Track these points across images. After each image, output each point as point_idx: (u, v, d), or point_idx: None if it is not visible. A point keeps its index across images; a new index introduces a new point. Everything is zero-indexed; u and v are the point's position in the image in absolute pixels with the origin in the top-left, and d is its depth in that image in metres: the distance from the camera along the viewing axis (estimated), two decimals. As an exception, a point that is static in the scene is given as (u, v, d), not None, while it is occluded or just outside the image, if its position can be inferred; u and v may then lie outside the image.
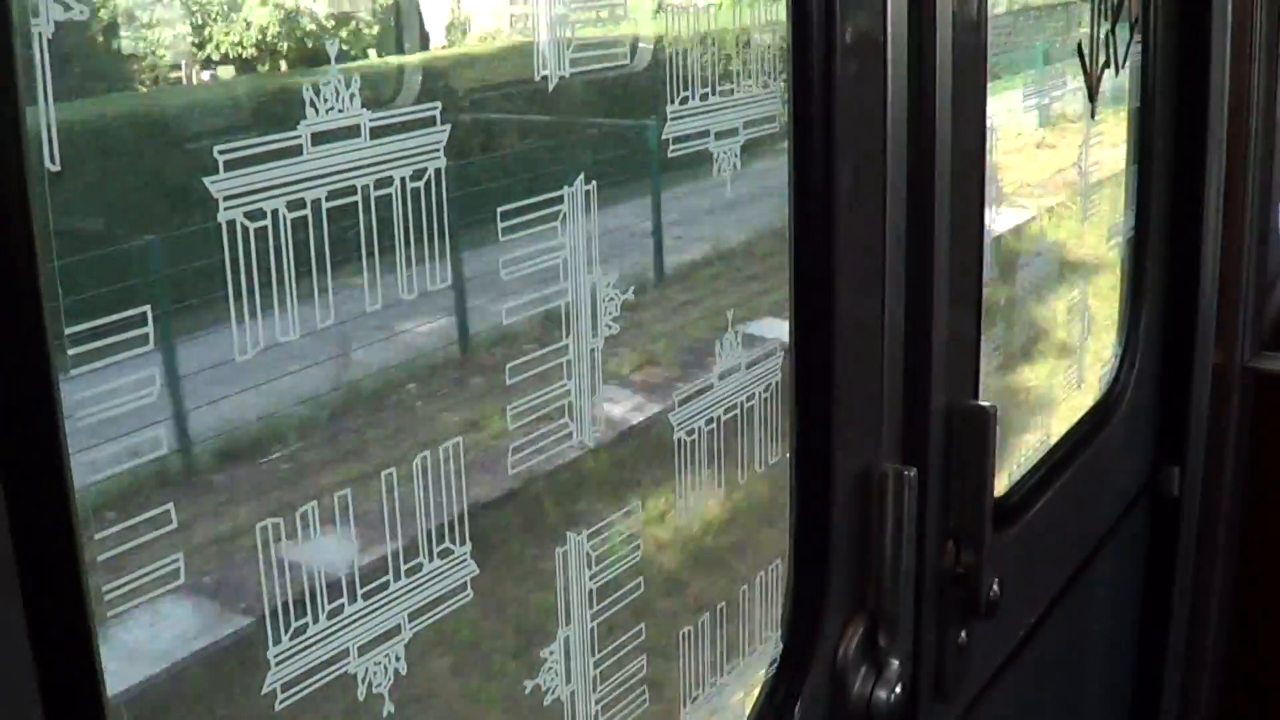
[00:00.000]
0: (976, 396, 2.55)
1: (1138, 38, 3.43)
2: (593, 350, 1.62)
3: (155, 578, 1.20)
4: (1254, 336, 4.04)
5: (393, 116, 1.34)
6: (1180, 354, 3.79)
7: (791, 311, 2.01)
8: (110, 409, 1.14)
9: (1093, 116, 3.25)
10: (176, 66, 1.29)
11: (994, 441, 2.45)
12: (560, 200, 1.55)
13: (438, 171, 1.38)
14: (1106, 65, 3.26)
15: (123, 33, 1.23)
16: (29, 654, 1.03)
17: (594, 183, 1.58)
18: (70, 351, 1.10)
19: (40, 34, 1.04)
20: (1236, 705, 4.25)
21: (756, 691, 2.08)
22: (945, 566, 2.48)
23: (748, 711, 2.06)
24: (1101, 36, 3.23)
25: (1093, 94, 3.20)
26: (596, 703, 1.73)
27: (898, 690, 2.19)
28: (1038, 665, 3.11)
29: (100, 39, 1.16)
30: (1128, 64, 3.37)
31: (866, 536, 2.17)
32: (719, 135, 1.80)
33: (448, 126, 1.39)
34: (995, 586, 2.54)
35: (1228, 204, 3.77)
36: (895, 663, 2.20)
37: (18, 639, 1.02)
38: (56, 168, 1.07)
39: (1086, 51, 3.17)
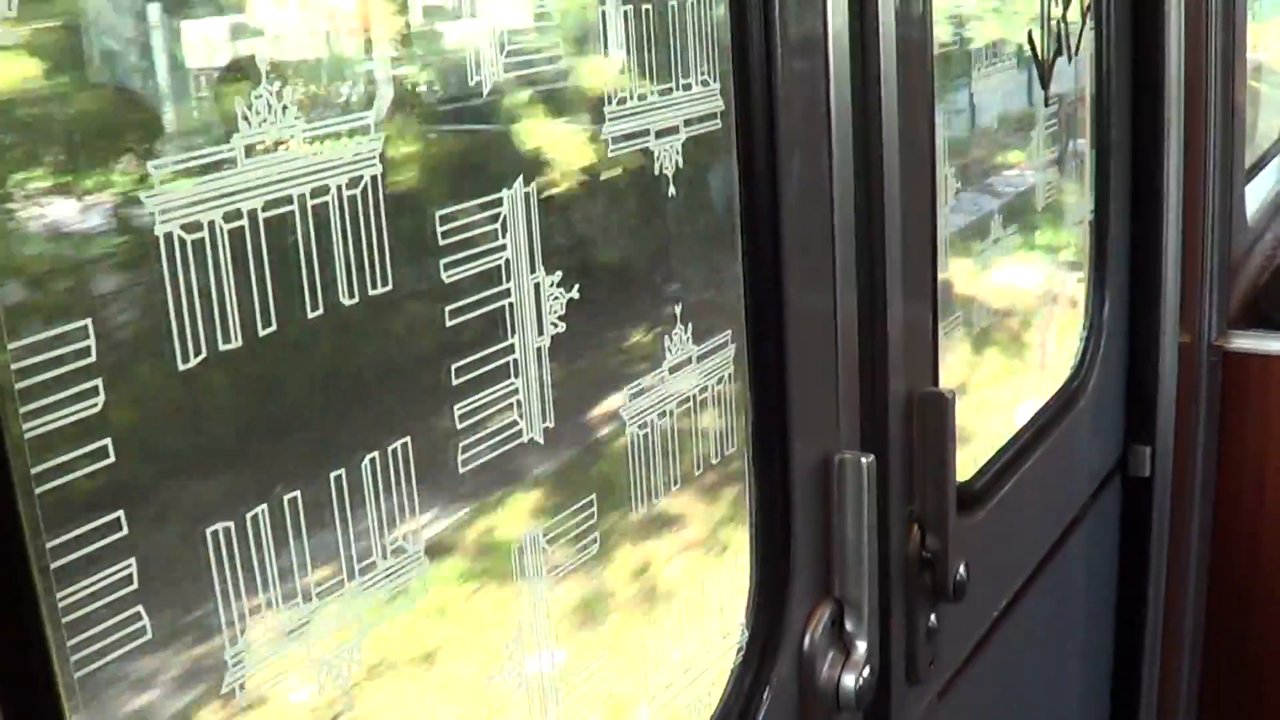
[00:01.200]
0: (936, 382, 2.58)
1: (1090, 23, 3.47)
2: (539, 349, 1.65)
3: (110, 583, 1.23)
4: (1220, 316, 4.07)
5: (327, 126, 1.37)
6: (1146, 334, 3.83)
7: (743, 303, 2.04)
8: (56, 421, 1.17)
9: (1046, 104, 3.28)
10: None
11: (953, 426, 2.48)
12: (500, 203, 1.59)
13: (374, 178, 1.41)
14: (1059, 53, 3.30)
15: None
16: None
17: (533, 184, 1.61)
18: (14, 366, 1.13)
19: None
20: (1215, 682, 4.28)
21: (724, 679, 2.11)
22: (911, 551, 2.51)
23: (716, 699, 2.09)
24: (1053, 24, 3.27)
25: (1045, 82, 3.24)
26: (557, 696, 1.76)
27: (866, 673, 2.21)
28: (1013, 648, 3.15)
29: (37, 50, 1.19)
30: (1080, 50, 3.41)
31: (828, 523, 2.21)
32: (659, 134, 1.84)
33: (383, 134, 1.42)
34: (963, 570, 2.57)
35: (1188, 185, 3.81)
36: (862, 646, 2.23)
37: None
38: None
39: (1038, 39, 3.21)
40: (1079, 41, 3.40)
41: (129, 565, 1.24)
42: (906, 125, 2.35)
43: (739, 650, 2.12)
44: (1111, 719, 4.06)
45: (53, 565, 1.17)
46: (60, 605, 1.18)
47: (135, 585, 1.24)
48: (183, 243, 1.24)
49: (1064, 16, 3.27)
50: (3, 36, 1.11)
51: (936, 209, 2.58)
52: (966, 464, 2.79)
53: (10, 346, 1.13)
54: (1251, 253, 4.76)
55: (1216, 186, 3.93)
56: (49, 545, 1.17)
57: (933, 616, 2.58)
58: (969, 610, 2.74)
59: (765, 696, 2.11)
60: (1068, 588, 3.62)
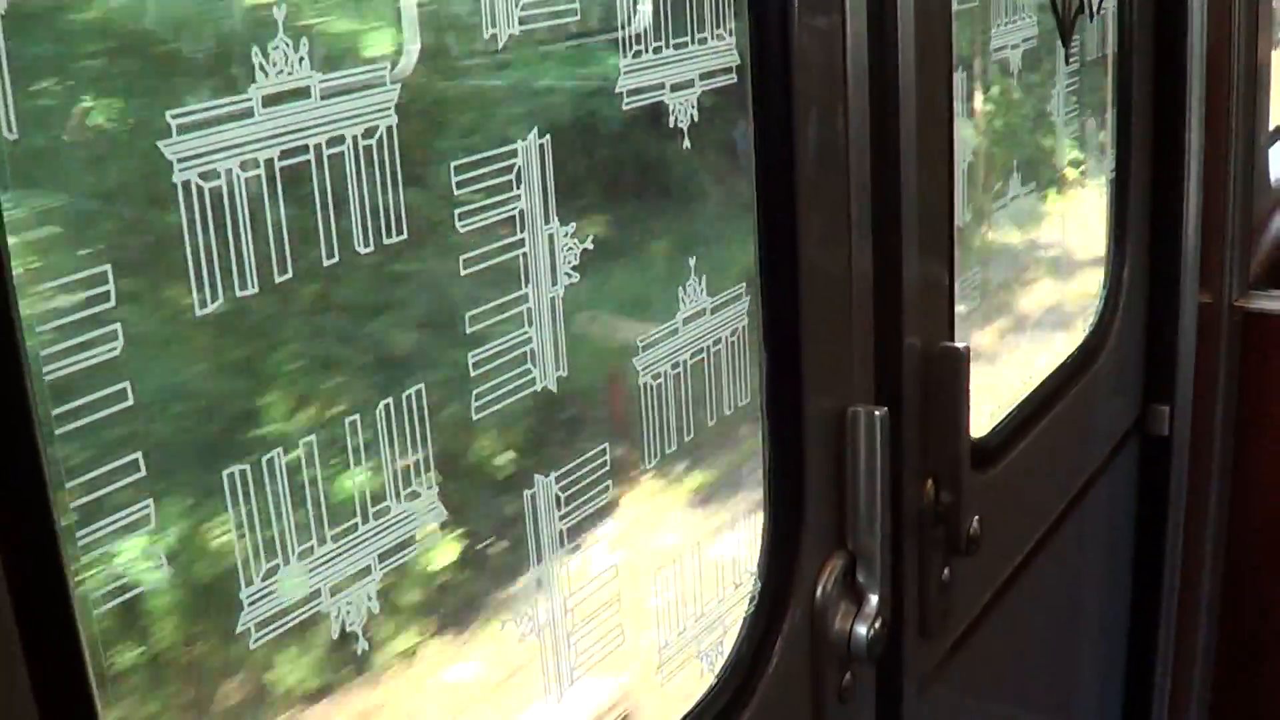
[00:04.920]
0: (952, 337, 2.60)
1: (1113, -21, 3.46)
2: (552, 299, 1.68)
3: (128, 523, 1.26)
4: (1241, 276, 4.07)
5: (343, 78, 1.39)
6: (1166, 293, 3.83)
7: (757, 257, 2.06)
8: (76, 364, 1.19)
9: (1066, 62, 3.28)
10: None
11: (967, 381, 2.50)
12: (514, 154, 1.61)
13: (389, 129, 1.43)
14: (1080, 10, 3.30)
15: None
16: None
17: (548, 136, 1.63)
18: (35, 310, 1.16)
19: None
20: (1232, 642, 4.29)
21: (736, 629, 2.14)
22: (925, 505, 2.53)
23: (727, 649, 2.11)
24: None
25: (1066, 38, 3.23)
26: (569, 642, 1.78)
27: (878, 625, 2.24)
28: (1028, 604, 3.17)
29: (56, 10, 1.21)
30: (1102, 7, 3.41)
31: (841, 475, 2.23)
32: (674, 88, 1.85)
33: (398, 86, 1.44)
34: (976, 524, 2.59)
35: (1209, 144, 3.80)
36: (874, 597, 2.25)
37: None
38: (14, 136, 1.13)
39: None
40: (1101, -1, 3.40)
41: (146, 506, 1.27)
42: (924, 81, 2.36)
43: (751, 599, 2.14)
44: (1126, 677, 4.09)
45: (72, 504, 1.20)
46: (80, 544, 1.21)
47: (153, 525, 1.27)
48: (200, 190, 1.26)
49: (1086, -28, 3.27)
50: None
51: (954, 165, 2.59)
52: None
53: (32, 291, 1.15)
54: (1275, 213, 4.75)
55: (1239, 146, 3.92)
56: (68, 485, 1.20)
57: (946, 570, 2.60)
58: (983, 565, 2.76)
59: (777, 645, 2.13)
60: (1084, 545, 3.63)
